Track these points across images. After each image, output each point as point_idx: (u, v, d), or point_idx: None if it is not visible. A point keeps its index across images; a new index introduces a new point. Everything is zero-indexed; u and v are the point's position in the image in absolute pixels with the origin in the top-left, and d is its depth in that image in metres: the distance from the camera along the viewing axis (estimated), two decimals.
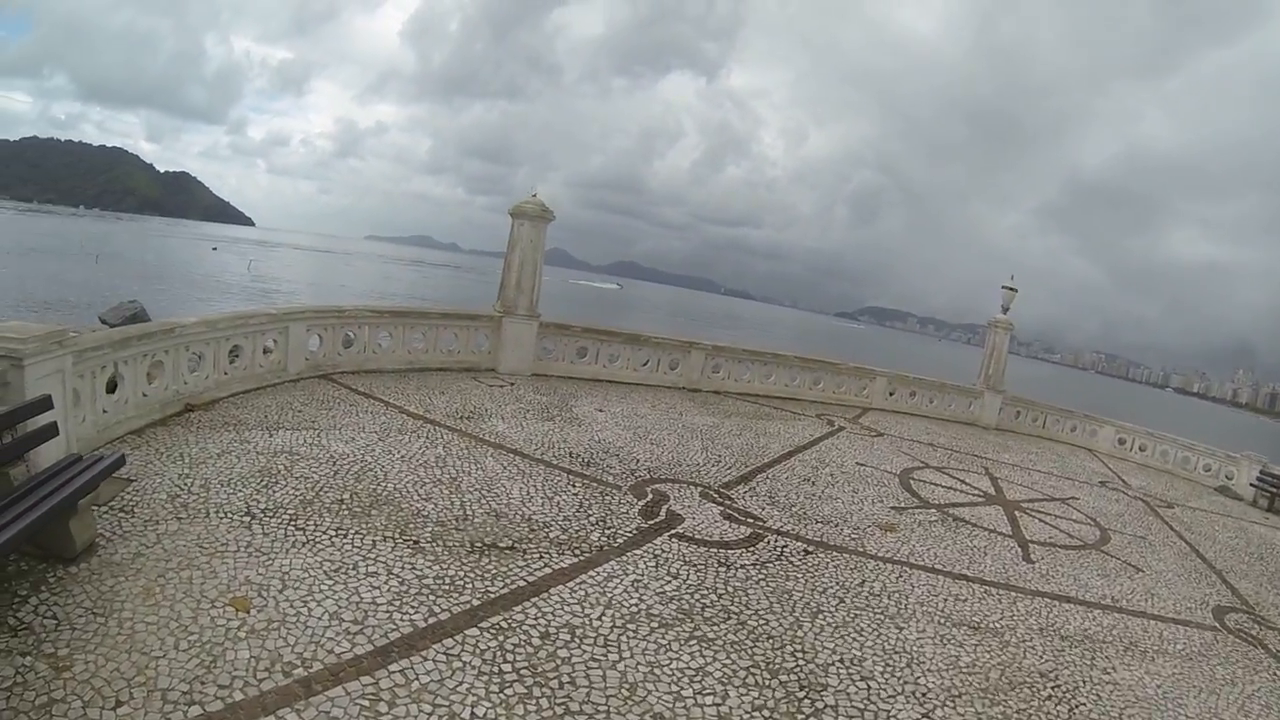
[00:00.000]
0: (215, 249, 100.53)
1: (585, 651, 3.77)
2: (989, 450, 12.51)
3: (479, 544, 4.78)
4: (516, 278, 10.84)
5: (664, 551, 5.22)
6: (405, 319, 9.91)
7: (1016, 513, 8.47)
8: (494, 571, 4.42)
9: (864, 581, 5.41)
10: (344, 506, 5.05)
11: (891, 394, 14.44)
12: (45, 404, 4.29)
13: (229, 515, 4.60)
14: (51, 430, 4.32)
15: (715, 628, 4.27)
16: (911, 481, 8.86)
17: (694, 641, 4.07)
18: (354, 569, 4.18)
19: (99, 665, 3.06)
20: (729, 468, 7.82)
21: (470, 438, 7.19)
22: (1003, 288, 15.61)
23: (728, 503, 6.57)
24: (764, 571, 5.23)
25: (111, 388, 5.91)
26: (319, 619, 3.65)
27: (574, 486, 6.26)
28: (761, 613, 4.59)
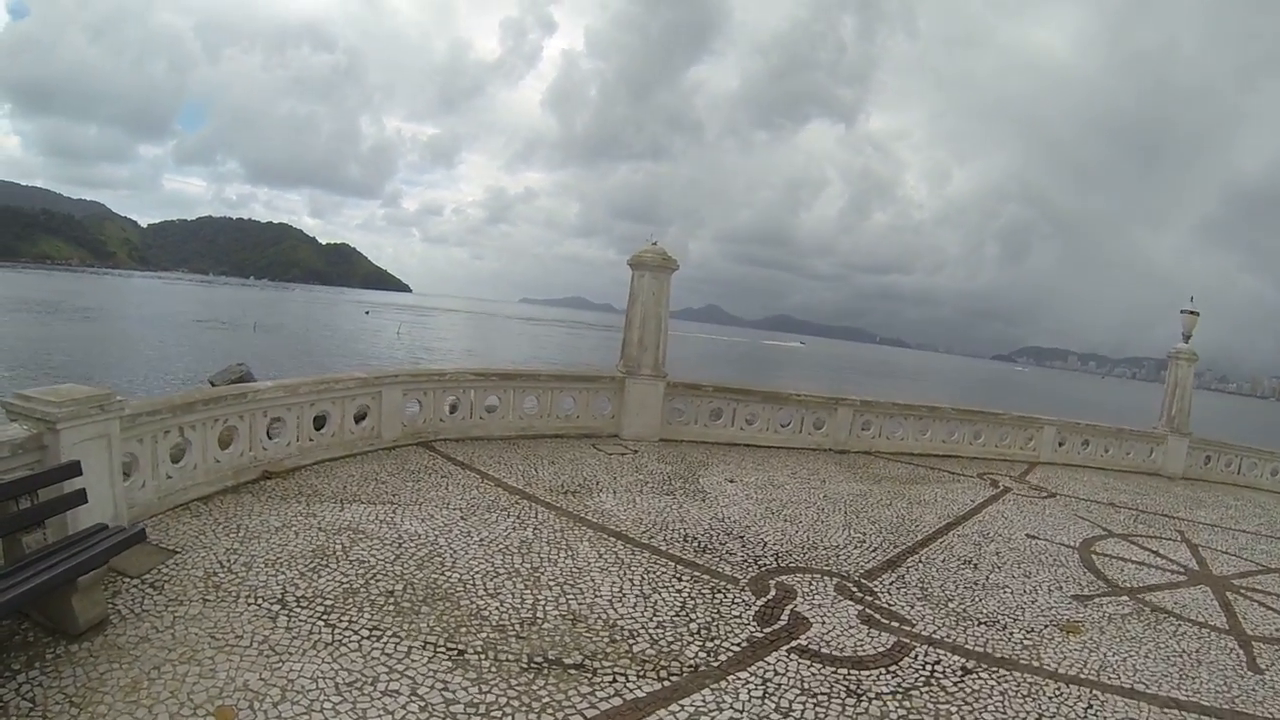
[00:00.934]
0: (368, 313, 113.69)
1: None
2: (1180, 507, 11.57)
3: (539, 658, 4.20)
4: (639, 334, 10.70)
5: (777, 673, 4.35)
6: (514, 382, 10.06)
7: (1229, 594, 7.28)
8: (546, 700, 3.79)
9: (1041, 718, 4.14)
10: (391, 600, 4.75)
11: (1061, 444, 14.08)
12: (73, 469, 4.51)
13: (259, 601, 4.56)
14: (79, 497, 4.52)
15: None
16: (1094, 556, 7.90)
17: None
18: (373, 683, 3.78)
19: None
20: (874, 549, 7.09)
21: (569, 517, 6.78)
22: (1182, 312, 15.07)
23: (868, 599, 5.80)
24: (907, 704, 4.16)
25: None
26: None
27: (680, 580, 5.58)
28: None
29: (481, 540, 5.94)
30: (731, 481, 8.90)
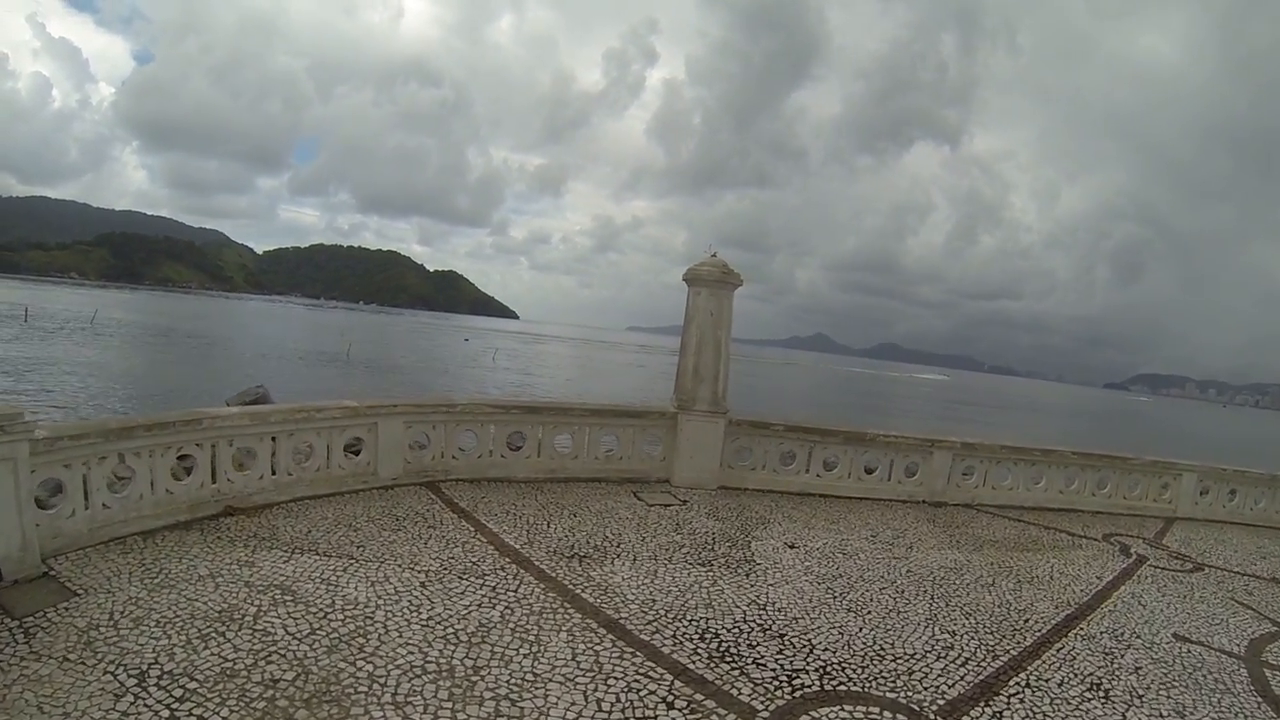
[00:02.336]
0: (467, 340, 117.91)
1: None
2: None
3: None
4: (694, 362, 9.50)
5: None
6: (540, 416, 9.08)
7: None
8: None
9: None
10: (269, 693, 3.85)
11: (1203, 495, 12.25)
12: None
13: (118, 672, 3.97)
14: None
15: None
16: (1268, 673, 5.84)
17: None
18: None
19: None
20: (965, 660, 5.39)
21: (560, 592, 5.60)
22: None
23: None
24: None
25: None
26: None
27: (670, 709, 4.14)
28: None
29: (430, 618, 4.89)
30: (792, 547, 7.47)
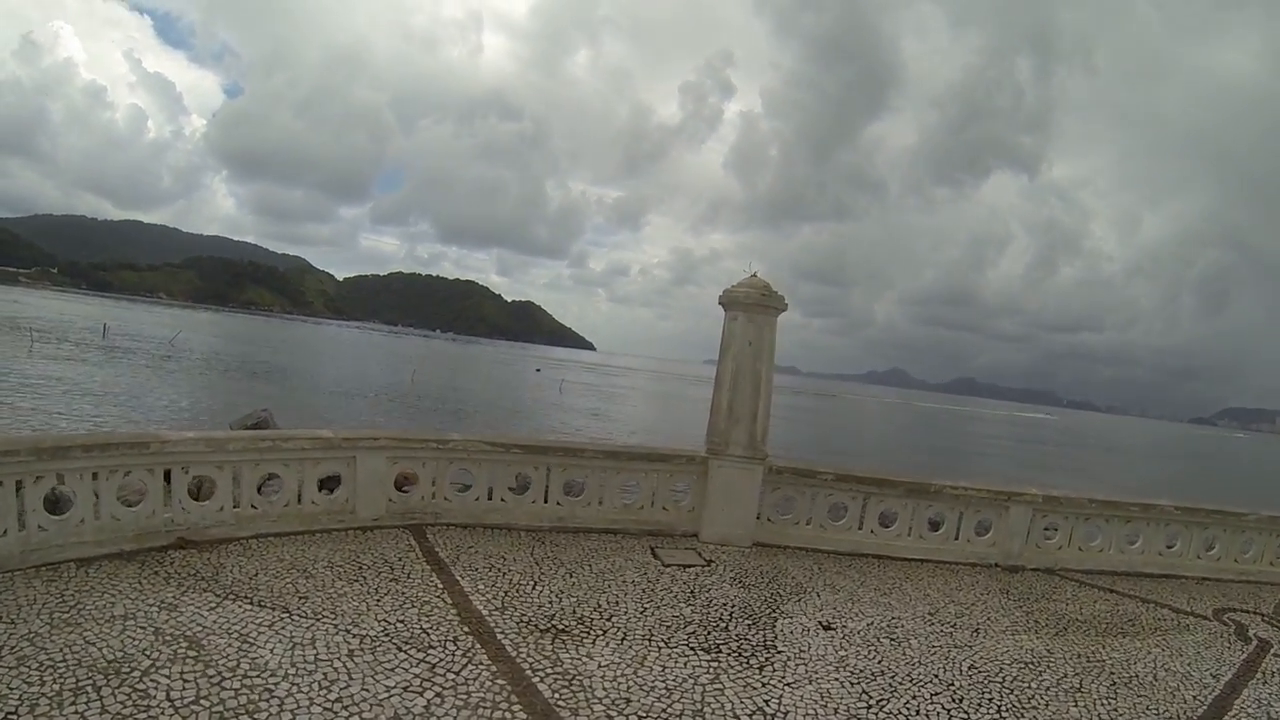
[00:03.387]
0: (538, 370, 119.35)
1: None
2: None
3: None
4: (728, 399, 8.63)
5: None
6: (547, 458, 8.44)
7: None
8: None
9: None
10: None
11: None
12: None
13: None
14: None
15: None
16: None
17: None
18: None
19: None
20: None
21: (514, 680, 4.78)
22: None
23: None
24: None
25: None
26: None
27: None
28: None
29: (338, 700, 4.21)
30: (827, 628, 6.39)
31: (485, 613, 5.82)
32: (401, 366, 78.54)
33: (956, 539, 9.27)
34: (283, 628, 5.05)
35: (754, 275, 8.70)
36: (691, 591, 6.91)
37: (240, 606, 5.33)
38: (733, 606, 6.65)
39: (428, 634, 5.28)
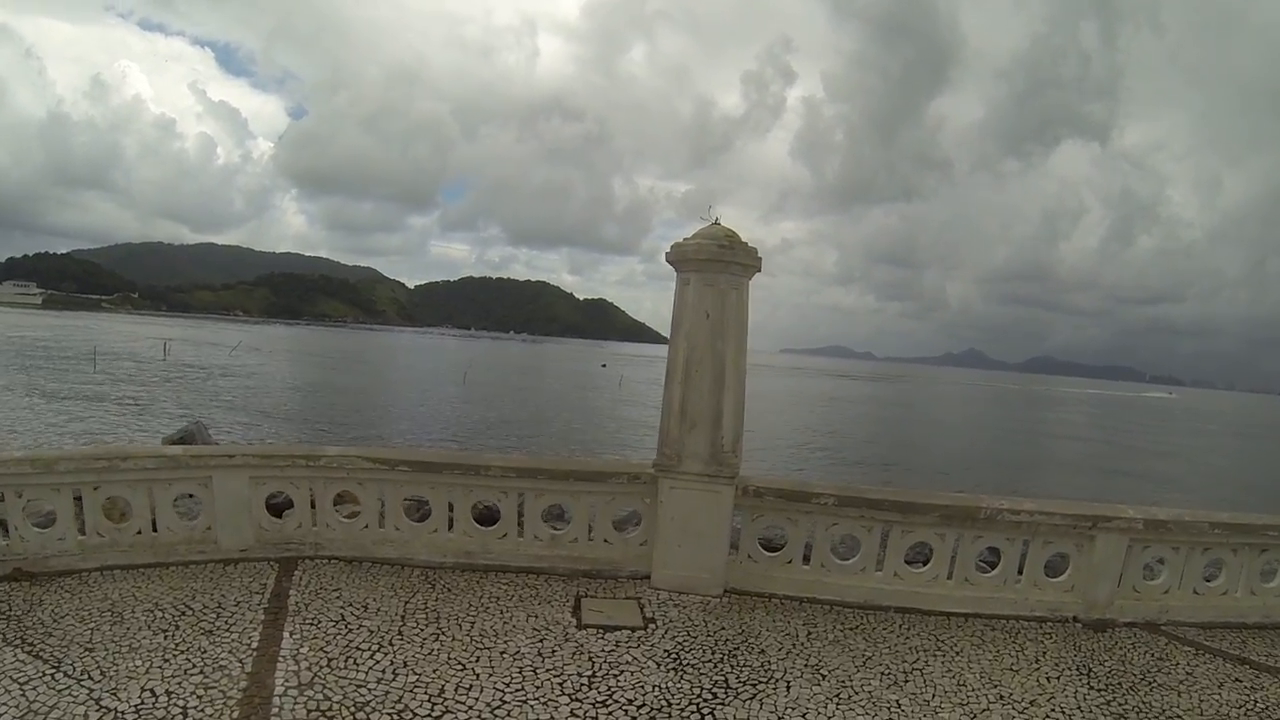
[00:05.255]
0: (604, 366, 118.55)
1: None
2: None
3: None
4: (680, 395, 6.62)
5: None
6: (444, 476, 6.74)
7: None
8: None
9: None
10: None
11: None
12: None
13: None
14: None
15: None
16: None
17: None
18: None
19: None
20: None
21: None
22: None
23: None
24: None
25: None
26: None
27: None
28: None
29: None
30: None
31: (280, 691, 4.29)
32: (458, 369, 78.54)
33: (1014, 583, 6.89)
34: (34, 688, 4.21)
35: (715, 222, 6.65)
36: (593, 675, 4.98)
37: (15, 654, 4.60)
38: (640, 712, 4.64)
39: (184, 716, 3.91)
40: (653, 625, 5.90)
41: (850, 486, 7.10)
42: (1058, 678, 5.60)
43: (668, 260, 6.69)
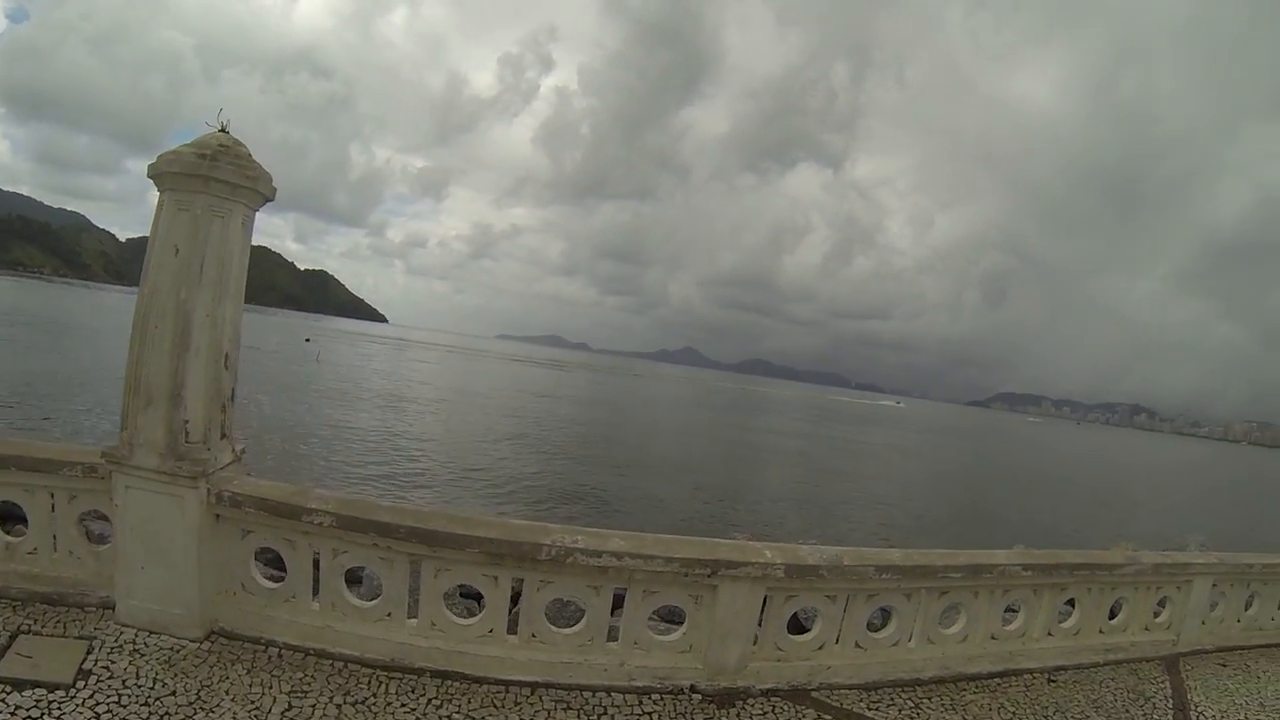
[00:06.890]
0: (308, 340, 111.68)
1: None
2: None
3: None
4: (136, 359, 4.83)
5: None
6: None
7: None
8: None
9: None
10: None
11: (1214, 610, 7.99)
12: None
13: None
14: None
15: None
16: None
17: None
18: None
19: None
20: None
21: None
22: None
23: None
24: None
25: None
26: None
27: None
28: None
29: None
30: None
31: None
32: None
33: (612, 642, 5.34)
34: None
35: (222, 129, 4.98)
36: None
37: None
38: None
39: None
40: (83, 682, 4.23)
41: (357, 502, 5.24)
42: None
43: (149, 175, 4.87)
